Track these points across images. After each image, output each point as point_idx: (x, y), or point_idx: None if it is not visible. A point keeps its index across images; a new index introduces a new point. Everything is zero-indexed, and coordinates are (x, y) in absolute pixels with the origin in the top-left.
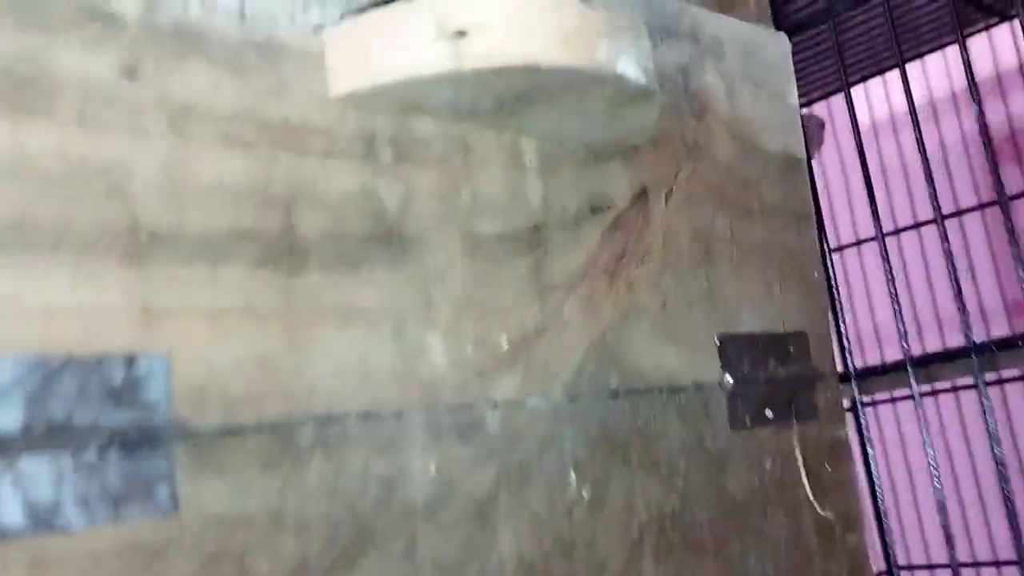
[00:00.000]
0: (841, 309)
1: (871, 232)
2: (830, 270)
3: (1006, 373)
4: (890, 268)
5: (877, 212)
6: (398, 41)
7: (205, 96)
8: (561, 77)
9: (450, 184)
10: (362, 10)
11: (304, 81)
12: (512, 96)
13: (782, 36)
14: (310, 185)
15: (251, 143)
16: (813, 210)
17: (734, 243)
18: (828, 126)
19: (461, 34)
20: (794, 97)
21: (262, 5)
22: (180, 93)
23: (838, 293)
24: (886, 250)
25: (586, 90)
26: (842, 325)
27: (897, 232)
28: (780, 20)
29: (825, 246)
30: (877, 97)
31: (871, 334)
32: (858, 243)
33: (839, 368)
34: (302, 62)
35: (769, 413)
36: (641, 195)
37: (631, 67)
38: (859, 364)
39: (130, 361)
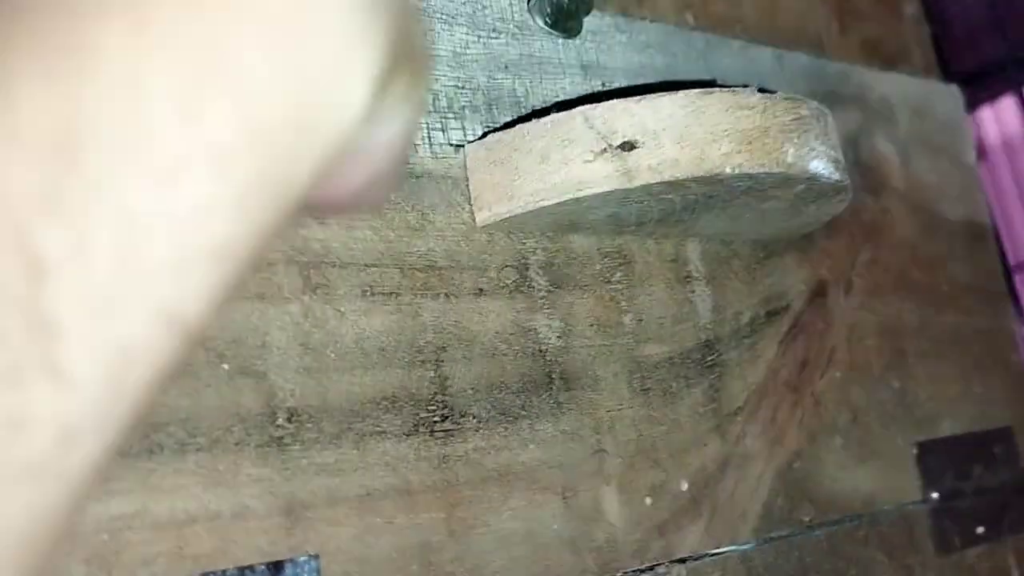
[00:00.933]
0: None
1: None
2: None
3: None
4: None
5: None
6: (555, 158)
7: (341, 243)
8: (746, 183)
9: (612, 309)
10: (508, 124)
11: (447, 210)
12: (684, 204)
13: (954, 89)
14: (461, 330)
15: (394, 291)
16: (1005, 284)
17: (925, 334)
18: (996, 128)
19: (629, 146)
20: (971, 155)
21: None
22: (313, 242)
23: None
24: None
25: (772, 191)
26: None
27: None
28: (947, 72)
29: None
30: None
31: None
32: None
33: None
34: (443, 188)
35: (980, 529)
36: (819, 291)
37: (823, 164)
38: None
39: (276, 570)
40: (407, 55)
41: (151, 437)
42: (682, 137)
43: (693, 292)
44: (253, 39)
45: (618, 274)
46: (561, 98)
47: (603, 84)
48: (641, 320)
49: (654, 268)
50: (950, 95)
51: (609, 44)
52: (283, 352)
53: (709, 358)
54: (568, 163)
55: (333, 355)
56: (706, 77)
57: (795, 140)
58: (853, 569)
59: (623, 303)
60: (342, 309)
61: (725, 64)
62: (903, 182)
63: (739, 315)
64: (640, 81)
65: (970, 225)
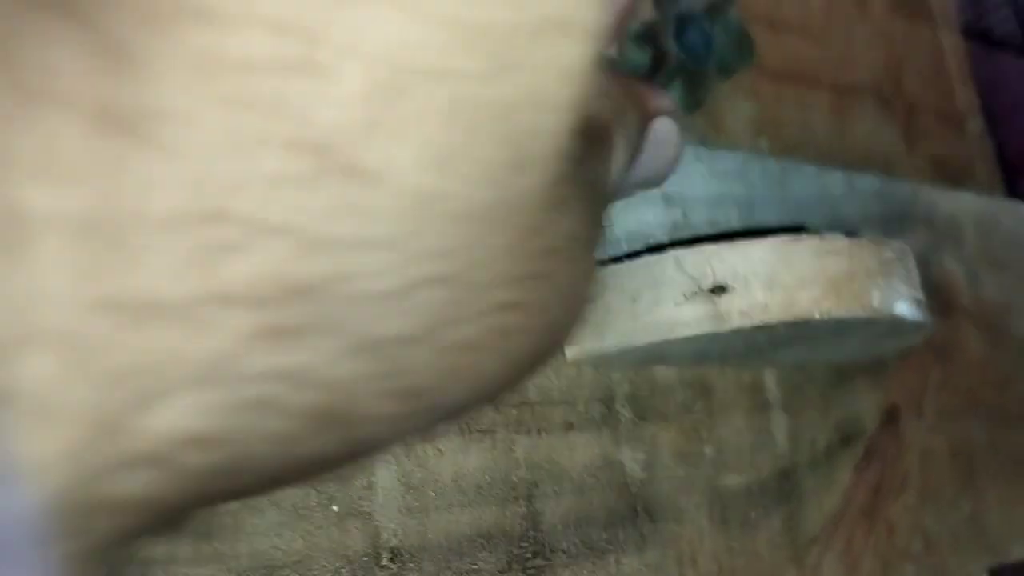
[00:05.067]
0: None
1: None
2: None
3: None
4: None
5: None
6: (646, 299)
7: None
8: (832, 325)
9: (693, 439)
10: (600, 263)
11: None
12: (769, 342)
13: (1021, 206)
14: (552, 465)
15: (490, 428)
16: None
17: (995, 455)
18: None
19: (720, 290)
20: None
21: None
22: None
23: None
24: None
25: (855, 331)
26: None
27: None
28: (1011, 189)
29: None
30: None
31: None
32: None
33: None
34: None
35: None
36: (891, 415)
37: (907, 306)
38: None
39: None
40: None
41: None
42: (771, 282)
43: (770, 420)
44: None
45: (699, 404)
46: (643, 229)
47: (683, 214)
48: (721, 450)
49: (733, 396)
50: (1017, 211)
51: (689, 174)
52: (387, 493)
53: (786, 487)
54: (659, 304)
55: (433, 494)
56: (783, 205)
57: (880, 283)
58: None
59: (704, 433)
60: (441, 448)
61: (800, 190)
62: (971, 301)
63: (815, 442)
64: (720, 210)
65: None
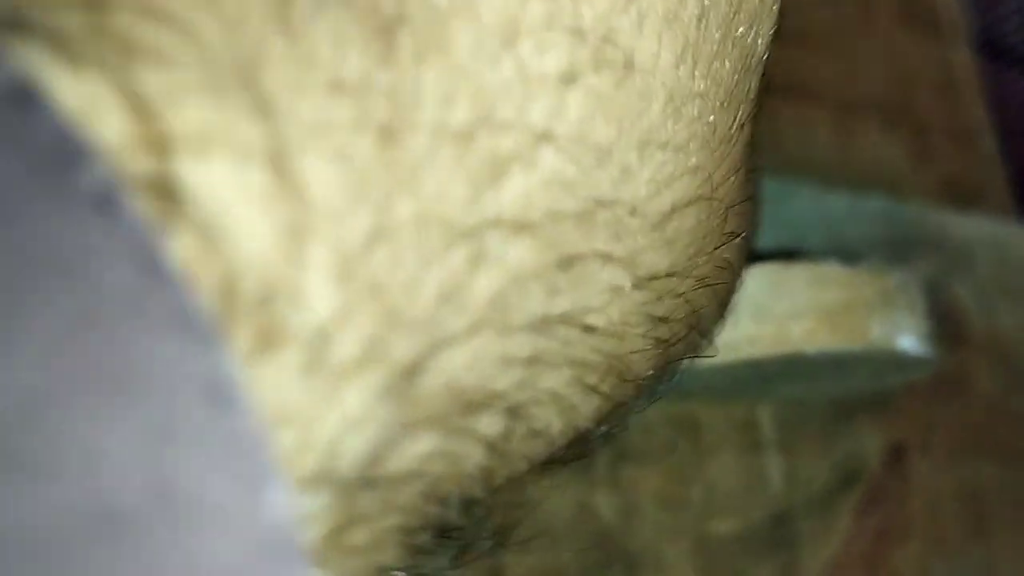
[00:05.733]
0: None
1: None
2: None
3: None
4: None
5: None
6: None
7: None
8: (827, 359)
9: (678, 481)
10: None
11: None
12: (760, 378)
13: None
14: (519, 513)
15: None
16: None
17: (1010, 500)
18: None
19: None
20: None
21: None
22: None
23: None
24: None
25: (854, 366)
26: None
27: None
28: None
29: None
30: None
31: None
32: None
33: None
34: None
35: None
36: (896, 453)
37: (910, 340)
38: None
39: None
40: None
41: None
42: (761, 313)
43: (764, 460)
44: None
45: (684, 442)
46: None
47: None
48: (709, 493)
49: (723, 434)
50: None
51: None
52: None
53: (781, 533)
54: None
55: None
56: (781, 228)
57: (880, 315)
58: None
59: (690, 474)
60: None
61: (800, 212)
62: (984, 332)
63: (813, 483)
64: None
65: None
